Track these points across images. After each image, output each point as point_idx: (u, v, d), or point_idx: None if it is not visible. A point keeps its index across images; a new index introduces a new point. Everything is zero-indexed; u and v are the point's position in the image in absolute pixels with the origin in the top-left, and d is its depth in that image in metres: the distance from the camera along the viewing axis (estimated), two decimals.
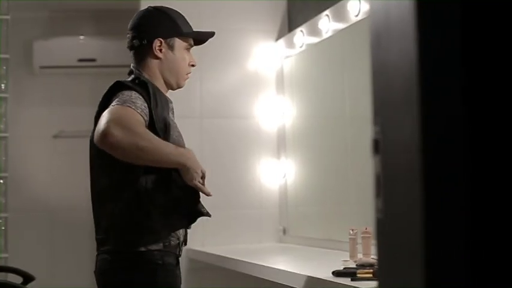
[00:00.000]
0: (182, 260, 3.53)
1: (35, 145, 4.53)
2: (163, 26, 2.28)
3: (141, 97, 2.11)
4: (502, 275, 0.91)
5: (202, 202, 2.32)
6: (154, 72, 2.27)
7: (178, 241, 2.23)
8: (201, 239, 3.60)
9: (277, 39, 3.78)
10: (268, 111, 3.76)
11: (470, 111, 0.92)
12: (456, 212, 0.91)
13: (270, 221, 3.73)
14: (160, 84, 2.28)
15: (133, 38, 2.28)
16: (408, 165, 0.96)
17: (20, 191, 4.36)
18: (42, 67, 4.47)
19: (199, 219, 2.34)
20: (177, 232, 2.23)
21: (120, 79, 2.22)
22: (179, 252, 2.24)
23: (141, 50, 2.27)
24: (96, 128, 2.03)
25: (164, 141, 2.11)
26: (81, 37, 4.54)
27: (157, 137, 2.08)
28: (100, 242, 2.18)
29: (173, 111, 2.36)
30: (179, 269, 2.24)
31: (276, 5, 3.81)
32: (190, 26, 2.37)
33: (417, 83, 0.93)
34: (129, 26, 2.32)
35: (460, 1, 0.94)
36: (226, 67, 3.73)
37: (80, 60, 4.49)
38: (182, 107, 3.69)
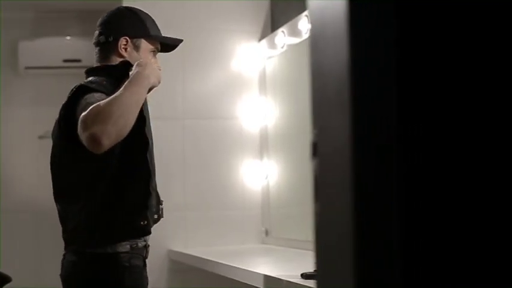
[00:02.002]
0: (163, 261, 3.55)
1: (21, 146, 4.51)
2: (131, 25, 2.27)
3: (104, 96, 2.08)
4: (432, 274, 0.90)
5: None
6: None
7: (145, 243, 2.22)
8: (184, 240, 3.58)
9: (260, 40, 3.77)
10: (251, 112, 3.75)
11: (402, 114, 0.90)
12: (387, 217, 0.90)
13: (252, 222, 3.72)
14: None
15: (99, 34, 2.28)
16: (341, 168, 0.94)
17: (6, 191, 4.35)
18: (27, 68, 4.46)
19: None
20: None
21: (82, 83, 2.20)
22: (146, 254, 2.23)
23: (107, 47, 2.26)
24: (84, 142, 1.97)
25: (117, 94, 2.02)
26: (68, 37, 4.53)
27: (104, 100, 2.00)
28: (67, 242, 2.18)
29: None
30: (146, 270, 2.23)
31: (259, 5, 3.80)
32: (159, 30, 2.36)
33: (349, 85, 0.92)
34: (98, 22, 2.31)
35: (394, 2, 0.92)
36: (208, 68, 3.72)
37: (65, 60, 4.48)
38: (164, 108, 3.69)
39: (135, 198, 2.15)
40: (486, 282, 0.88)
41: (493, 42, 0.91)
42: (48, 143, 4.74)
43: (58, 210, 2.23)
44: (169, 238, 3.54)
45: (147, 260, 2.27)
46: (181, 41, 2.43)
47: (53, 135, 2.31)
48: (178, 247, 3.52)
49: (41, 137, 4.50)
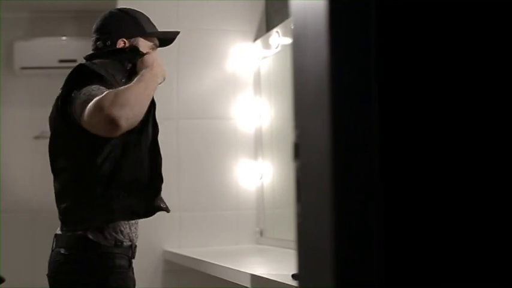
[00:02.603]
0: (158, 261, 3.54)
1: (17, 146, 4.51)
2: (126, 26, 2.28)
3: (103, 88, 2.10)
4: (413, 275, 0.89)
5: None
6: None
7: (131, 243, 2.22)
8: (178, 240, 3.58)
9: (255, 40, 3.77)
10: (246, 113, 3.75)
11: (382, 114, 0.90)
12: (366, 218, 0.90)
13: (246, 222, 3.71)
14: None
15: (97, 40, 2.28)
16: (321, 169, 0.94)
17: (1, 192, 4.35)
18: (23, 68, 4.45)
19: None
20: (130, 234, 2.22)
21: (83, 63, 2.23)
22: (132, 254, 2.23)
23: (105, 52, 2.27)
24: (93, 129, 2.01)
25: (131, 84, 2.10)
26: (63, 38, 4.53)
27: (123, 88, 2.07)
28: (61, 222, 2.20)
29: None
30: (132, 270, 2.23)
31: (253, 6, 3.79)
32: (154, 26, 2.36)
33: (328, 86, 0.92)
34: (92, 28, 2.32)
35: (374, 2, 0.92)
36: (203, 68, 3.72)
37: (61, 61, 4.47)
38: (159, 108, 3.67)
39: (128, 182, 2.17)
40: (467, 284, 0.88)
41: (476, 42, 0.90)
42: (44, 143, 4.75)
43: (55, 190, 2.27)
44: (164, 238, 3.54)
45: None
46: (177, 33, 2.43)
47: (50, 117, 2.32)
48: (173, 247, 3.51)
49: (36, 137, 4.50)
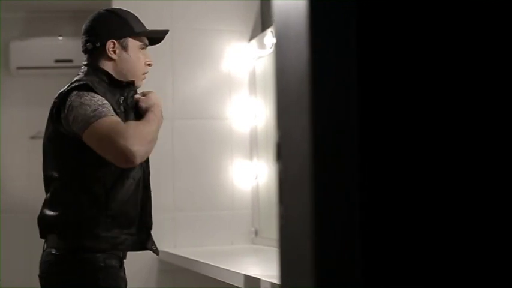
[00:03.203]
0: (153, 261, 3.54)
1: (13, 146, 4.51)
2: (115, 27, 2.27)
3: (93, 93, 2.13)
4: (392, 276, 0.89)
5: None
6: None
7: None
8: (173, 240, 3.58)
9: (250, 40, 3.76)
10: (241, 113, 3.74)
11: (362, 116, 0.90)
12: (347, 219, 0.89)
13: (242, 222, 3.71)
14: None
15: (86, 41, 2.28)
16: (301, 171, 0.94)
17: (0, 192, 4.35)
18: (19, 68, 4.45)
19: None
20: (120, 235, 2.22)
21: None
22: (123, 254, 2.23)
23: (95, 53, 2.26)
24: (109, 156, 2.06)
25: (148, 125, 2.18)
26: (59, 38, 4.52)
27: (140, 123, 2.16)
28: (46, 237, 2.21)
29: (126, 90, 2.33)
30: (124, 271, 2.23)
31: (248, 5, 3.79)
32: (143, 25, 2.36)
33: (308, 87, 0.91)
34: (82, 30, 2.31)
35: (355, 3, 0.92)
36: (198, 68, 3.71)
37: (57, 61, 4.47)
38: None
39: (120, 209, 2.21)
40: (446, 283, 0.88)
41: (455, 44, 0.90)
42: (40, 144, 4.75)
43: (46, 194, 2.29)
44: (158, 238, 3.52)
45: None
46: (167, 31, 2.43)
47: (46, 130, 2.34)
48: (168, 247, 3.51)
49: (33, 137, 4.49)
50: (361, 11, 0.90)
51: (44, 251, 2.23)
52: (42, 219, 2.21)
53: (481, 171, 0.86)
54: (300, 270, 0.95)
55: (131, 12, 2.37)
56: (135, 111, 2.25)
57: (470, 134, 0.87)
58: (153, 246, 2.29)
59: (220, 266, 2.74)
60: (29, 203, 4.54)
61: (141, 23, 2.35)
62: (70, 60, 4.45)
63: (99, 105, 2.08)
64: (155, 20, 3.52)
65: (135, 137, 2.01)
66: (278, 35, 1.04)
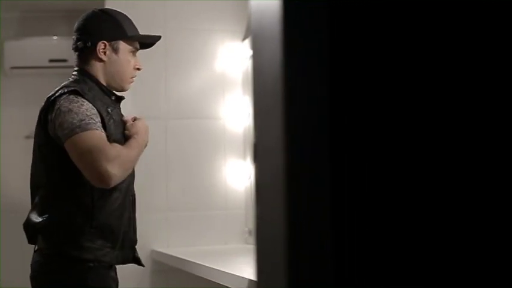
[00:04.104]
0: (147, 261, 3.53)
1: (7, 146, 4.50)
2: (108, 28, 2.27)
3: (83, 100, 2.13)
4: (364, 276, 0.89)
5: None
6: (97, 75, 2.26)
7: None
8: (166, 240, 3.57)
9: (243, 40, 3.76)
10: (235, 112, 3.74)
11: (334, 116, 0.89)
12: (319, 220, 0.89)
13: (235, 222, 3.71)
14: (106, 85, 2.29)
15: (77, 40, 2.27)
16: (275, 171, 0.93)
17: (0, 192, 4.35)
18: (13, 68, 4.45)
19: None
20: (104, 247, 2.22)
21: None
22: None
23: (85, 52, 2.26)
24: (87, 172, 2.07)
25: (130, 150, 2.19)
26: (54, 37, 4.52)
27: (128, 152, 2.17)
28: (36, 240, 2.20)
29: (115, 105, 2.33)
30: (114, 271, 2.23)
31: (242, 5, 3.78)
32: (136, 29, 2.35)
33: (281, 86, 0.91)
34: (74, 27, 2.31)
35: (327, 4, 0.91)
36: (192, 67, 3.71)
37: (51, 60, 4.46)
38: (147, 107, 3.67)
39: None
40: (418, 282, 0.88)
41: (425, 43, 0.90)
42: None
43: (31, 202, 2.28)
44: (152, 238, 3.53)
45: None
46: (159, 37, 2.43)
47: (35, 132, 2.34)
48: (161, 247, 3.51)
49: (27, 137, 4.48)
50: (333, 12, 0.90)
51: (35, 251, 2.22)
52: (28, 226, 2.20)
53: (454, 168, 0.86)
54: (275, 270, 0.95)
55: (125, 15, 2.36)
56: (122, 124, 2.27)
57: (443, 131, 0.87)
58: (136, 259, 2.30)
59: (212, 267, 2.74)
60: (23, 203, 4.52)
61: (134, 26, 2.34)
62: (65, 60, 4.44)
63: (87, 115, 2.08)
64: (148, 20, 3.52)
65: (116, 160, 2.04)
66: (254, 36, 1.04)
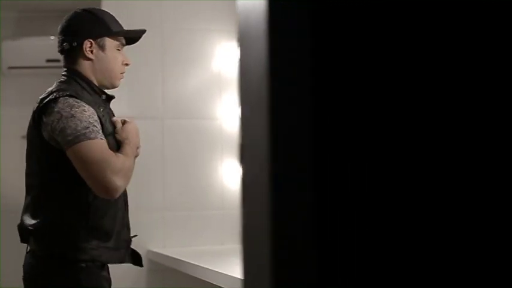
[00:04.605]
0: (143, 262, 3.52)
1: (4, 146, 4.51)
2: (92, 26, 2.27)
3: (84, 104, 2.13)
4: (347, 277, 0.89)
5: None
6: (87, 74, 2.26)
7: None
8: (162, 239, 3.57)
9: None
10: (231, 112, 3.74)
11: (317, 117, 0.89)
12: (302, 221, 0.89)
13: (232, 222, 3.70)
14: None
15: (63, 41, 2.28)
16: (260, 171, 0.93)
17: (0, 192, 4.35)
18: (10, 67, 4.45)
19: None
20: (99, 247, 2.22)
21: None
22: None
23: (72, 53, 2.26)
24: (91, 182, 2.07)
25: (127, 159, 2.19)
26: (51, 37, 4.52)
27: (123, 157, 2.17)
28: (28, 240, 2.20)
29: (106, 104, 2.33)
30: (106, 270, 2.23)
31: None
32: (120, 25, 2.36)
33: (266, 86, 0.91)
34: (58, 29, 2.31)
35: (310, 4, 0.91)
36: (188, 67, 3.71)
37: (48, 60, 4.47)
38: (143, 107, 3.67)
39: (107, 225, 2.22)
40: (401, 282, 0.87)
41: (409, 42, 0.89)
42: None
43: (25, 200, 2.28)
44: (148, 238, 3.53)
45: None
46: (144, 31, 2.43)
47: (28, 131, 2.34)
48: (157, 247, 3.50)
49: (24, 137, 4.48)
50: (315, 12, 0.89)
51: (27, 253, 2.22)
52: (22, 227, 2.20)
53: (437, 168, 0.85)
54: (260, 270, 0.94)
55: (108, 12, 2.37)
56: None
57: (427, 130, 0.86)
58: (134, 258, 2.30)
59: (207, 267, 2.74)
60: (20, 202, 4.53)
61: (118, 22, 2.35)
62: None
63: (90, 122, 2.08)
64: (144, 20, 3.52)
65: (122, 172, 2.06)
66: (241, 35, 1.03)
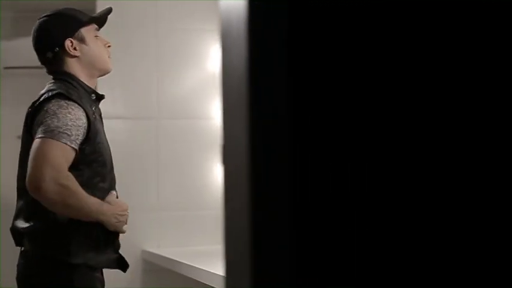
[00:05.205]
0: (137, 261, 3.53)
1: (1, 146, 4.50)
2: (65, 26, 2.28)
3: (73, 107, 2.12)
4: (324, 275, 0.89)
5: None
6: (77, 73, 2.27)
7: None
8: (157, 240, 3.57)
9: None
10: None
11: (296, 118, 0.89)
12: (280, 221, 0.89)
13: None
14: (87, 81, 2.28)
15: (44, 53, 2.27)
16: (239, 172, 0.93)
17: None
18: (6, 68, 4.45)
19: None
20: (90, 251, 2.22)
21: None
22: None
23: (57, 58, 2.26)
24: (28, 171, 2.03)
25: (89, 198, 2.11)
26: None
27: (83, 192, 2.08)
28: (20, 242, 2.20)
29: (96, 104, 2.33)
30: (100, 271, 2.23)
31: None
32: (85, 13, 2.36)
33: (246, 86, 0.90)
34: (33, 44, 2.30)
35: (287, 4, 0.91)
36: (184, 67, 3.70)
37: None
38: (139, 107, 3.67)
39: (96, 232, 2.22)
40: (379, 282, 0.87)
41: (387, 39, 0.89)
42: None
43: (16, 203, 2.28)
44: (143, 238, 3.53)
45: None
46: (110, 9, 2.42)
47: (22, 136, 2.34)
48: (152, 248, 3.50)
49: (19, 137, 4.48)
50: (294, 13, 0.89)
51: (20, 253, 2.22)
52: (14, 230, 2.20)
53: (410, 165, 0.85)
54: (240, 270, 0.94)
55: (66, 7, 2.37)
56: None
57: (402, 127, 0.86)
58: (120, 264, 2.28)
59: (201, 268, 2.73)
60: (14, 203, 4.53)
61: (81, 11, 2.36)
62: None
63: (67, 125, 2.06)
64: (139, 19, 3.51)
65: (65, 189, 2.00)
66: (222, 35, 1.03)
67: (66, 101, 2.10)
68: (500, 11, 0.89)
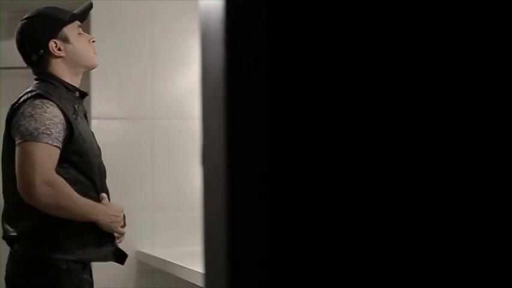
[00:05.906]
0: (131, 262, 3.52)
1: None
2: (47, 27, 2.27)
3: (49, 105, 2.12)
4: (303, 277, 0.88)
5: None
6: (61, 73, 2.26)
7: None
8: (151, 240, 3.56)
9: None
10: None
11: (274, 119, 0.88)
12: (258, 220, 0.88)
13: None
14: (71, 79, 2.27)
15: (29, 56, 2.27)
16: (217, 174, 0.92)
17: None
18: (3, 68, 4.45)
19: None
20: (82, 246, 2.22)
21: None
22: None
23: (42, 60, 2.26)
24: (18, 178, 2.03)
25: (81, 199, 2.10)
26: None
27: (75, 193, 2.07)
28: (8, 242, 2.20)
29: (80, 101, 2.32)
30: (88, 272, 2.22)
31: None
32: (66, 11, 2.35)
33: (223, 86, 0.90)
34: (17, 47, 2.29)
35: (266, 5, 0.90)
36: (178, 68, 3.70)
37: None
38: (133, 108, 3.66)
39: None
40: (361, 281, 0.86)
41: (370, 39, 0.88)
42: None
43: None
44: (137, 239, 3.52)
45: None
46: (90, 4, 2.41)
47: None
48: (147, 248, 3.49)
49: None
50: (272, 13, 0.89)
51: (10, 253, 2.22)
52: (6, 237, 2.19)
53: (392, 166, 0.85)
54: (218, 271, 0.94)
55: (47, 6, 2.36)
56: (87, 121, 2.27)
57: (387, 124, 0.86)
58: (117, 256, 2.28)
59: (194, 269, 2.73)
60: None
61: (62, 9, 2.35)
62: None
63: (45, 124, 2.06)
64: (134, 19, 3.51)
65: (54, 187, 2.00)
66: (201, 35, 1.02)
67: (41, 100, 2.10)
68: (500, 11, 0.88)
